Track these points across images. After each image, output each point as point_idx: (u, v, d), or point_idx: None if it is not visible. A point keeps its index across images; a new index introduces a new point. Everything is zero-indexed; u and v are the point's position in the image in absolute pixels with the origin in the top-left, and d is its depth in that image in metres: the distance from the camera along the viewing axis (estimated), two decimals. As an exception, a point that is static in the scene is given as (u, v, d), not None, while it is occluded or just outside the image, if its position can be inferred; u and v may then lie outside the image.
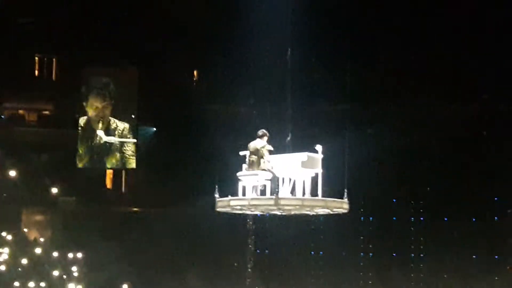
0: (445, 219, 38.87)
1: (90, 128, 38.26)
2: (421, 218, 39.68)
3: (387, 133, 35.84)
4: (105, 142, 38.16)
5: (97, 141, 38.24)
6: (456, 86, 36.74)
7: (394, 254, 39.49)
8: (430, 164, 37.62)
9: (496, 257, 37.90)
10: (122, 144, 38.25)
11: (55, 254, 39.07)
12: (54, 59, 40.79)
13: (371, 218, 39.78)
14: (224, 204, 17.03)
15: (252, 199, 16.64)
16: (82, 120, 38.36)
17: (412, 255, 39.55)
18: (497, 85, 36.05)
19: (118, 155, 38.27)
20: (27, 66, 40.25)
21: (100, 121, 38.24)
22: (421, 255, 39.46)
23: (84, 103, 38.37)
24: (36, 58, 40.68)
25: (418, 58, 36.38)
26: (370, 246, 39.91)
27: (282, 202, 16.49)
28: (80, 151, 38.41)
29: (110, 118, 38.28)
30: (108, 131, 38.21)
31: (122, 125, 38.19)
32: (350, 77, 32.32)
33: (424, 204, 39.56)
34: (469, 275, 37.35)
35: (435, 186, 38.46)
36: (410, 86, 37.09)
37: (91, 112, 38.28)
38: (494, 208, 38.12)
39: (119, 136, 38.12)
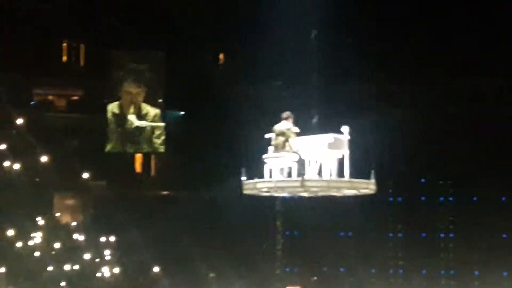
0: (474, 198, 38.74)
1: (121, 113, 38.47)
2: (450, 198, 39.56)
3: (414, 114, 35.68)
4: (136, 126, 38.40)
5: (128, 126, 38.49)
6: (487, 63, 36.45)
7: (423, 234, 39.45)
8: (458, 144, 37.41)
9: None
10: (152, 128, 38.47)
11: (88, 238, 39.44)
12: (81, 45, 41.04)
13: (399, 198, 39.72)
14: (251, 186, 17.05)
15: (278, 181, 16.64)
16: (113, 105, 38.57)
17: (442, 234, 39.48)
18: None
19: (148, 139, 38.50)
20: (55, 52, 40.53)
21: (132, 106, 38.46)
22: (450, 235, 39.37)
23: (118, 88, 38.56)
24: (64, 44, 40.95)
25: (444, 39, 36.16)
26: (399, 226, 39.90)
27: (308, 184, 16.47)
28: (110, 136, 38.70)
29: (141, 103, 38.50)
30: (140, 116, 38.44)
31: (153, 111, 38.39)
32: (378, 57, 32.24)
33: (452, 184, 39.43)
34: (498, 255, 37.22)
35: (464, 166, 38.27)
36: (439, 67, 36.88)
37: (124, 97, 38.49)
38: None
39: (150, 121, 38.33)
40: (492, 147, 36.94)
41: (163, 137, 38.43)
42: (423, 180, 39.53)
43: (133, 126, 38.41)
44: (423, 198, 39.63)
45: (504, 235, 37.98)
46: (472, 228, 38.14)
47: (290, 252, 39.67)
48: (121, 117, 38.48)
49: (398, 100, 36.03)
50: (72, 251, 38.21)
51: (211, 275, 39.82)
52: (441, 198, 39.66)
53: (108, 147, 38.67)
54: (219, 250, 38.11)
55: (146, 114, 38.38)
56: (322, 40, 21.53)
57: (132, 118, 38.33)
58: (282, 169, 16.81)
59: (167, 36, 38.01)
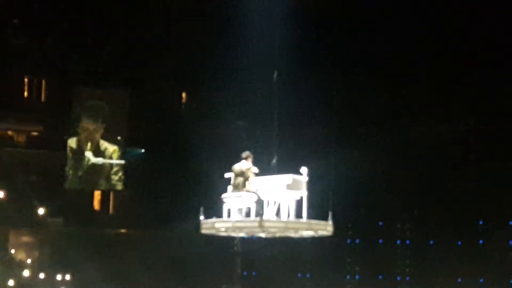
0: (431, 242, 39.05)
1: (79, 150, 38.37)
2: (407, 241, 39.82)
3: (372, 156, 36.01)
4: (93, 163, 38.26)
5: (86, 163, 38.36)
6: (442, 108, 37.05)
7: (380, 276, 39.58)
8: (416, 187, 37.80)
9: (481, 280, 38.05)
10: (110, 165, 38.36)
11: (43, 275, 38.95)
12: (43, 81, 40.92)
13: (357, 240, 39.89)
14: (209, 226, 17.09)
15: (237, 221, 16.71)
16: (71, 141, 38.47)
17: (398, 278, 39.66)
18: (484, 106, 36.40)
19: (106, 176, 38.37)
20: (16, 87, 40.35)
21: (89, 143, 38.37)
22: (407, 278, 39.56)
23: (76, 125, 38.51)
24: (26, 79, 40.80)
25: (404, 81, 36.70)
26: (357, 268, 40.02)
27: (266, 224, 16.56)
28: (69, 173, 38.52)
29: (100, 140, 38.42)
30: (97, 153, 38.33)
31: (111, 148, 38.35)
32: (336, 99, 32.56)
33: (410, 227, 39.72)
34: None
35: (421, 209, 38.66)
36: (397, 108, 37.40)
37: (81, 134, 38.41)
38: (479, 232, 38.33)
39: (108, 158, 38.22)
40: (450, 193, 37.36)
41: (121, 175, 38.32)
42: (381, 223, 39.79)
43: (90, 163, 38.29)
44: (380, 241, 39.84)
45: (459, 280, 38.26)
46: (429, 272, 38.39)
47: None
48: (78, 153, 38.35)
49: (358, 143, 36.37)
50: (26, 289, 37.72)
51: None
52: (398, 241, 39.91)
53: (66, 184, 38.46)
54: (176, 289, 37.90)
55: (104, 151, 38.29)
56: (284, 81, 21.74)
57: (89, 154, 38.22)
58: (240, 209, 16.88)
59: (130, 74, 38.12)
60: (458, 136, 38.09)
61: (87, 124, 38.38)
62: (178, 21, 35.90)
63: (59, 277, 39.14)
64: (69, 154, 38.39)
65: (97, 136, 38.39)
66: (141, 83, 38.23)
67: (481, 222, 38.31)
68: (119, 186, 38.60)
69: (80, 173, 38.42)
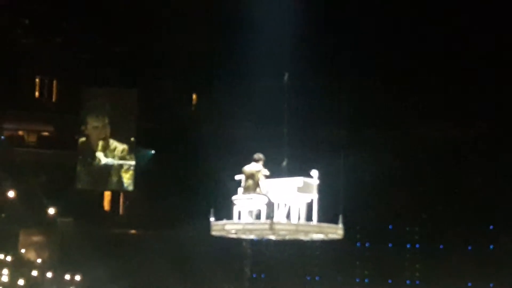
0: (441, 246, 38.94)
1: (89, 149, 38.45)
2: (417, 245, 39.73)
3: (382, 159, 35.96)
4: (104, 164, 38.33)
5: (96, 163, 38.43)
6: (453, 110, 36.96)
7: (389, 281, 39.49)
8: (427, 190, 37.72)
9: (491, 285, 37.94)
10: (120, 166, 38.42)
11: (53, 275, 39.03)
12: (54, 81, 41.03)
13: (367, 244, 39.82)
14: (219, 227, 17.04)
15: (247, 223, 16.65)
16: (82, 141, 38.57)
17: (408, 281, 39.56)
18: (495, 109, 36.31)
19: (116, 177, 38.43)
20: (28, 88, 40.48)
21: (100, 142, 38.44)
22: (417, 282, 39.47)
23: (85, 124, 38.63)
24: (37, 79, 40.93)
25: (415, 84, 36.64)
26: (366, 272, 39.94)
27: (277, 227, 16.48)
28: (79, 173, 38.59)
29: (109, 139, 38.49)
30: (107, 152, 38.40)
31: (121, 146, 38.42)
32: (347, 101, 32.52)
33: (419, 231, 39.63)
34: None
35: (431, 213, 38.57)
36: (407, 111, 37.33)
37: (90, 133, 38.48)
38: (489, 236, 38.22)
39: (118, 158, 38.28)
40: (460, 197, 37.27)
41: (131, 175, 38.37)
42: (390, 227, 39.72)
43: (101, 163, 38.36)
44: (390, 245, 39.77)
45: (469, 284, 38.15)
46: (438, 276, 38.28)
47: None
48: (89, 153, 38.43)
49: (368, 145, 36.33)
50: (35, 288, 37.81)
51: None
52: (408, 245, 39.83)
53: (77, 184, 38.55)
54: (185, 291, 37.91)
55: (114, 149, 38.34)
56: (295, 82, 21.72)
57: (100, 155, 38.29)
58: (251, 211, 16.83)
59: (141, 74, 38.18)
60: (469, 139, 37.98)
61: (94, 121, 38.46)
62: (188, 21, 35.94)
63: (68, 277, 39.21)
64: (80, 154, 38.46)
65: (107, 134, 38.45)
66: (151, 84, 38.28)
67: (491, 227, 38.19)
68: (130, 187, 38.66)
69: (90, 173, 38.48)
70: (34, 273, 38.77)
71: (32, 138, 41.42)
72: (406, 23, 34.31)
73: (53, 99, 41.19)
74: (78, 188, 38.77)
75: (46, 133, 41.44)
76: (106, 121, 38.56)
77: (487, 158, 37.66)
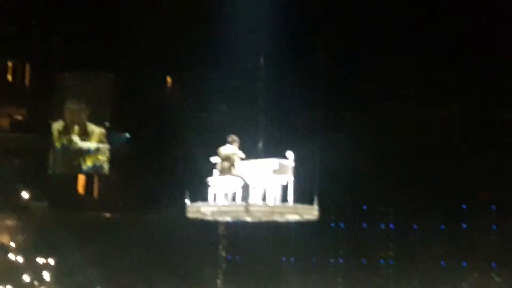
0: (414, 226, 39.29)
1: (65, 133, 38.26)
2: (391, 225, 40.05)
3: (357, 141, 36.14)
4: (79, 147, 38.16)
5: (72, 146, 38.25)
6: (427, 93, 37.20)
7: (363, 261, 39.81)
8: (400, 171, 37.99)
9: (464, 263, 38.36)
10: (97, 149, 38.27)
11: (27, 259, 38.91)
12: (27, 64, 40.71)
13: (341, 224, 40.08)
14: (195, 210, 17.11)
15: (222, 205, 16.75)
16: (57, 125, 38.32)
17: (382, 261, 39.89)
18: (469, 93, 36.59)
19: (91, 160, 38.30)
20: (0, 72, 40.14)
21: (76, 126, 38.26)
22: (390, 261, 39.81)
23: (60, 108, 38.39)
24: (9, 63, 40.58)
25: (391, 66, 36.77)
26: (340, 252, 40.21)
27: (252, 209, 16.59)
28: (53, 156, 38.40)
29: (86, 123, 38.33)
30: (84, 135, 38.23)
31: (98, 130, 38.25)
32: (322, 84, 32.60)
33: (393, 211, 39.93)
34: (437, 282, 37.79)
35: (405, 193, 38.83)
36: (383, 92, 37.50)
37: (68, 117, 38.28)
38: (462, 216, 38.61)
39: (95, 141, 38.15)
40: (433, 177, 37.57)
41: (107, 159, 38.26)
42: (365, 207, 39.98)
43: (77, 147, 38.19)
44: (364, 225, 40.06)
45: (442, 263, 38.55)
46: (412, 255, 38.68)
47: (232, 276, 39.61)
48: (65, 137, 38.24)
49: (343, 127, 36.47)
50: (9, 272, 37.64)
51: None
52: (382, 225, 40.13)
53: (51, 168, 38.37)
54: (161, 274, 37.93)
55: (91, 133, 38.20)
56: (270, 65, 21.73)
57: (75, 138, 38.12)
58: (226, 194, 16.90)
59: (116, 58, 37.98)
60: (442, 121, 38.26)
61: (74, 107, 38.26)
62: (162, 4, 35.77)
63: (43, 261, 39.11)
64: (55, 137, 38.25)
65: (84, 118, 38.28)
66: (126, 68, 38.11)
67: (464, 206, 38.57)
68: (105, 170, 38.55)
69: (65, 157, 38.31)
70: (9, 257, 38.62)
71: (4, 123, 41.11)
72: (380, 4, 34.39)
73: (26, 83, 40.88)
74: (52, 172, 38.59)
75: (19, 117, 41.14)
76: (82, 105, 38.38)
77: (460, 139, 37.99)
